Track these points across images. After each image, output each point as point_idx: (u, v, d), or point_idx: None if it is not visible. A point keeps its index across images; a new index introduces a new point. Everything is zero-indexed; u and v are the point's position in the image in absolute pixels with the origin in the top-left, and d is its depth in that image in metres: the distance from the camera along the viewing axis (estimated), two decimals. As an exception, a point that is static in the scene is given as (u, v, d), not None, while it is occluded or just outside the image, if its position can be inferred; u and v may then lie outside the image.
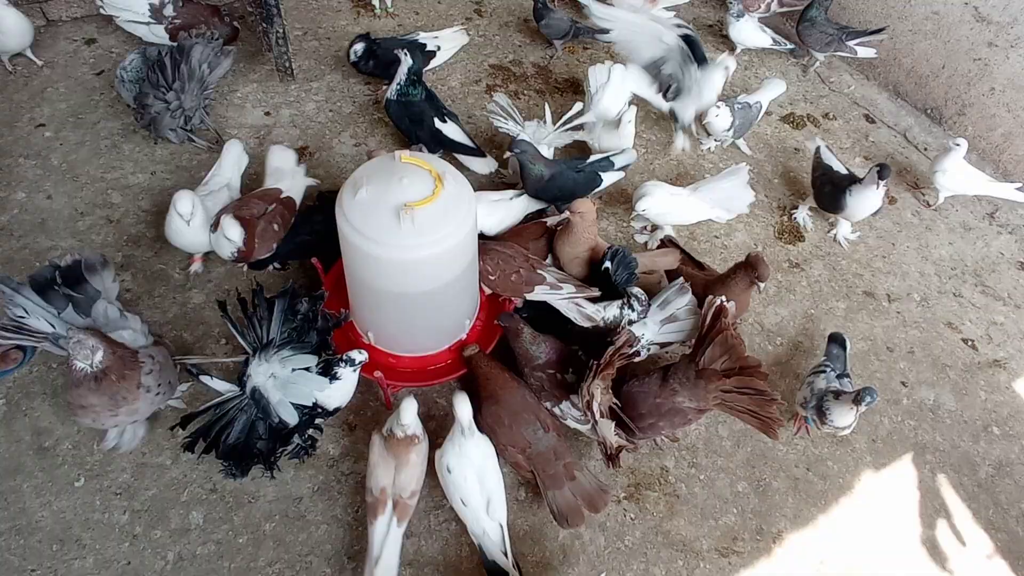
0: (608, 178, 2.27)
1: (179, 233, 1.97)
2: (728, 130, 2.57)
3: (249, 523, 1.73)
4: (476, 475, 1.60)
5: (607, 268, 1.96)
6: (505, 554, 1.62)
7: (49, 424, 1.83)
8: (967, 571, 1.86)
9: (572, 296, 1.94)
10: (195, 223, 1.94)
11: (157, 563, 1.66)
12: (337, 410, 1.70)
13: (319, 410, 1.62)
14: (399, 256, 1.51)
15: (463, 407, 1.60)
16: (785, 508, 1.90)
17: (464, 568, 1.72)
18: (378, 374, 1.74)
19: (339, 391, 1.64)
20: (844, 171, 2.42)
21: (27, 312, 1.69)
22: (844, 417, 1.82)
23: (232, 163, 2.20)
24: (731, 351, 1.79)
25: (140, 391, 1.62)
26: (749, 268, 1.94)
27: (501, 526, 1.63)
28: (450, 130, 2.37)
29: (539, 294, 1.96)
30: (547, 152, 2.37)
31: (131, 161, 2.42)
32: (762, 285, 1.99)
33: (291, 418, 1.58)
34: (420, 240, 1.50)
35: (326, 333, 1.63)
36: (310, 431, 1.67)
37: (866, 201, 2.32)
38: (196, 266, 2.13)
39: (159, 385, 1.67)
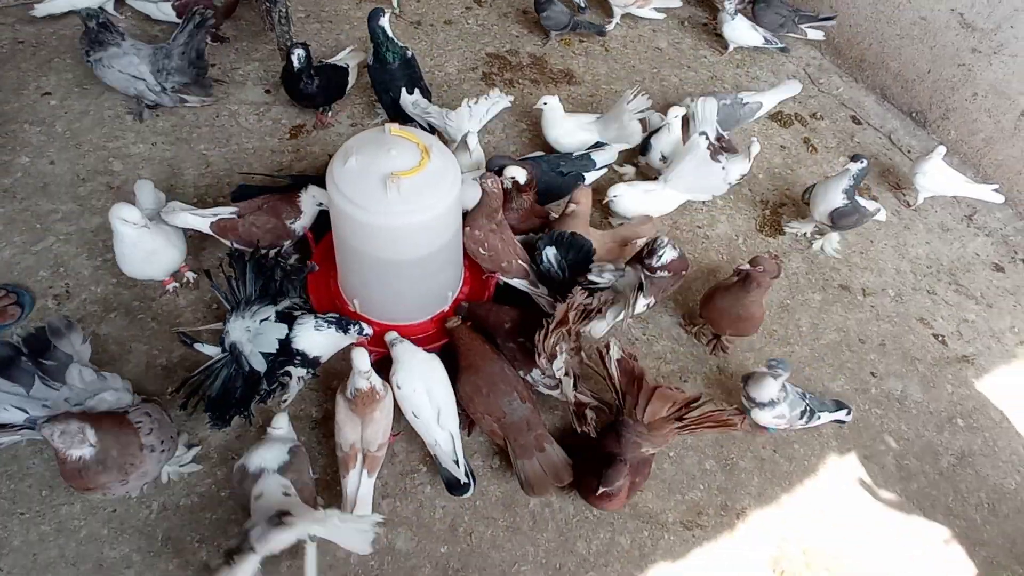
0: (591, 177, 2.35)
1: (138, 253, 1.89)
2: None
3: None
4: (425, 388, 1.72)
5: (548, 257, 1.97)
6: (456, 463, 1.73)
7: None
8: (925, 555, 1.92)
9: (543, 298, 2.02)
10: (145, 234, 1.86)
11: (142, 512, 1.73)
12: (318, 360, 1.78)
13: (298, 358, 1.71)
14: (385, 222, 1.58)
15: (398, 347, 1.76)
16: (750, 486, 1.97)
17: (436, 529, 1.79)
18: (359, 332, 1.81)
19: (320, 343, 1.73)
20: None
21: None
22: (763, 390, 1.89)
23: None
24: (672, 400, 1.81)
25: (145, 453, 1.52)
26: (758, 273, 1.92)
27: (452, 436, 1.74)
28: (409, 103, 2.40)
29: (518, 284, 2.03)
30: (476, 129, 2.35)
31: (133, 132, 2.49)
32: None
33: (260, 366, 1.68)
34: (405, 208, 1.58)
35: (284, 282, 1.76)
36: (281, 375, 1.75)
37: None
38: (172, 285, 2.08)
39: (162, 443, 1.57)
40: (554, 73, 3.01)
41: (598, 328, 2.02)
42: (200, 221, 1.97)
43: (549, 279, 1.96)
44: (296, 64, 2.41)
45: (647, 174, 2.59)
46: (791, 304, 2.39)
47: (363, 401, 1.66)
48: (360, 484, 1.68)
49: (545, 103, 2.43)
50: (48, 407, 1.62)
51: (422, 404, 1.73)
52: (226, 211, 2.00)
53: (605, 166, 2.41)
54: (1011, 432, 2.21)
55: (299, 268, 1.89)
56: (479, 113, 2.32)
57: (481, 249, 1.89)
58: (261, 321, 1.72)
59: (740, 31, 3.12)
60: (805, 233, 2.60)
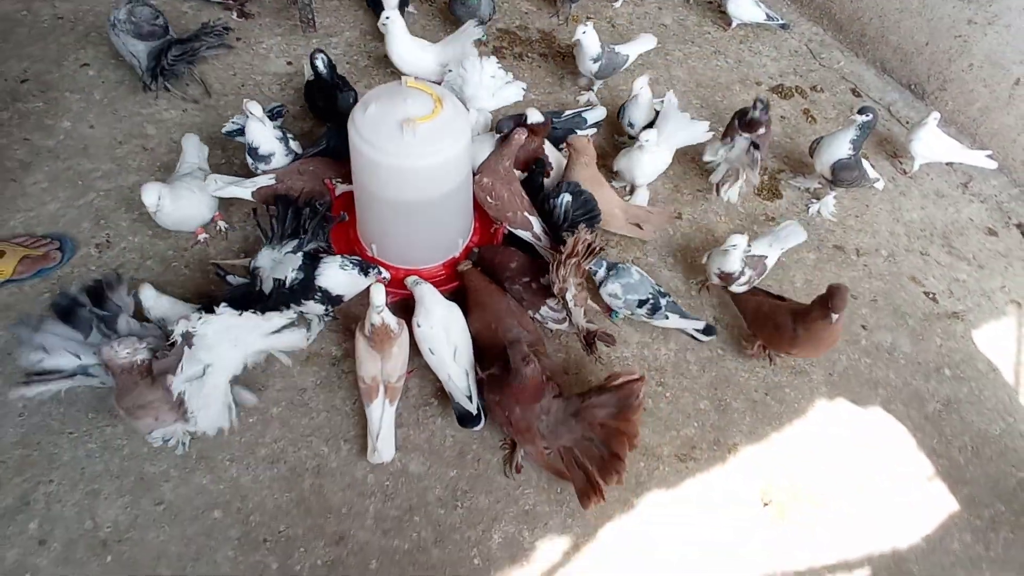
0: (581, 135, 2.48)
1: (166, 217, 2.06)
2: (595, 62, 2.68)
3: (258, 407, 1.95)
4: (442, 327, 1.86)
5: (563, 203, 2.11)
6: (470, 398, 1.87)
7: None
8: (907, 491, 2.03)
9: (546, 251, 2.15)
10: (166, 207, 2.02)
11: (176, 451, 1.88)
12: (340, 299, 1.93)
13: (319, 294, 1.88)
14: (401, 164, 1.74)
15: (420, 288, 1.89)
16: (742, 425, 2.09)
17: (447, 455, 1.93)
18: (381, 276, 1.96)
19: (343, 281, 1.89)
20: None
21: (47, 351, 1.69)
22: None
23: (194, 150, 2.29)
24: (625, 414, 1.79)
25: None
26: (828, 298, 1.89)
27: (466, 372, 1.87)
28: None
29: (522, 235, 2.17)
30: (491, 108, 2.48)
31: (164, 99, 2.65)
32: (834, 316, 1.88)
33: (267, 288, 1.86)
34: (421, 150, 1.74)
35: (315, 227, 1.94)
36: (293, 304, 1.90)
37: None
38: (203, 236, 2.24)
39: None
40: (562, 48, 3.13)
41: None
42: (242, 191, 2.15)
43: (551, 222, 2.10)
44: (322, 68, 2.35)
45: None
46: (786, 262, 2.50)
47: (379, 337, 1.80)
48: (383, 412, 1.83)
49: (387, 18, 2.52)
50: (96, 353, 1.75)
51: (439, 342, 1.87)
52: (264, 179, 2.16)
53: (596, 124, 2.55)
54: (997, 382, 2.30)
55: (330, 216, 2.04)
56: (487, 76, 2.43)
57: (489, 197, 2.03)
58: (285, 253, 1.89)
59: (743, 7, 3.22)
60: (808, 188, 2.70)
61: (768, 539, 1.90)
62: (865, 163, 2.50)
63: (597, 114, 2.59)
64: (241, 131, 2.26)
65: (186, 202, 2.05)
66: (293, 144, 2.25)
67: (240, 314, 1.71)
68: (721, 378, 2.18)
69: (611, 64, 2.74)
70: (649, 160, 2.43)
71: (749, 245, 2.15)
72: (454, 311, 1.92)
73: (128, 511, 1.77)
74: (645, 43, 2.87)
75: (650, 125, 2.51)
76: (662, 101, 2.59)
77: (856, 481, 2.03)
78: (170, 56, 2.55)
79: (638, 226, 2.37)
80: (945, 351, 2.35)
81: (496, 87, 2.50)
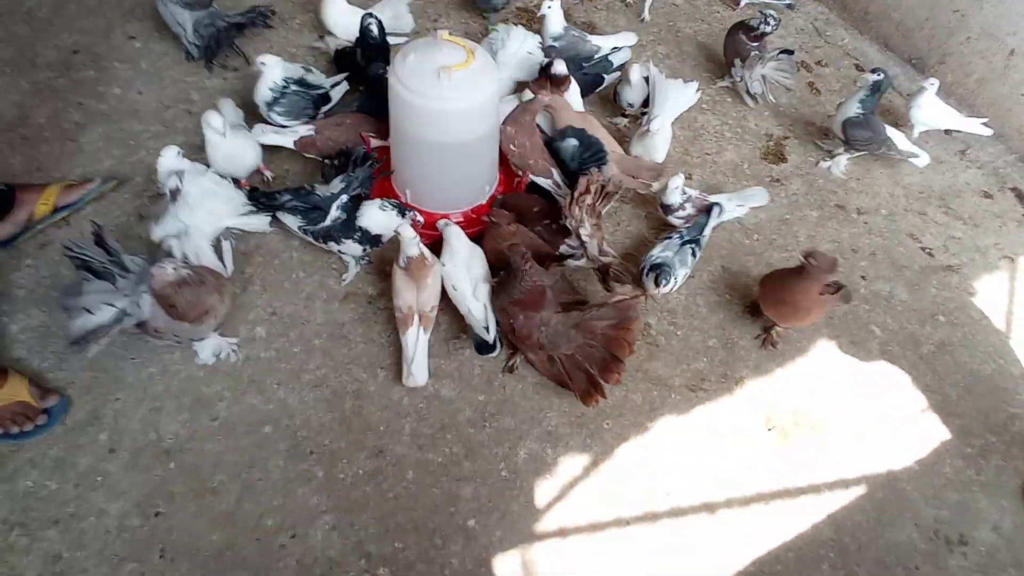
0: (609, 79, 2.70)
1: (222, 150, 2.23)
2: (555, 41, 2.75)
3: (302, 338, 2.13)
4: (465, 265, 2.02)
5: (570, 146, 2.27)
6: (487, 329, 2.03)
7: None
8: (902, 421, 2.18)
9: (565, 200, 2.25)
10: (227, 138, 2.19)
11: (229, 361, 2.06)
12: (379, 238, 2.11)
13: (358, 233, 2.10)
14: (438, 107, 1.93)
15: (450, 229, 2.06)
16: (748, 360, 2.25)
17: (475, 382, 2.10)
18: (413, 217, 2.13)
19: (382, 221, 2.08)
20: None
21: (92, 311, 1.76)
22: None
23: (231, 112, 2.42)
24: (625, 325, 1.94)
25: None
26: (810, 265, 1.93)
27: (485, 306, 2.03)
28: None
29: (541, 182, 2.34)
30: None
31: (206, 69, 2.84)
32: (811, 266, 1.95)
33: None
34: (455, 95, 1.93)
35: (362, 168, 2.14)
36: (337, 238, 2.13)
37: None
38: (246, 187, 2.36)
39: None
40: (578, 25, 3.30)
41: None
42: (284, 139, 2.34)
43: (561, 167, 2.30)
44: (376, 32, 2.43)
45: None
46: (790, 219, 2.66)
47: (416, 266, 1.97)
48: (418, 339, 2.00)
49: None
50: (128, 295, 1.82)
51: (462, 278, 2.03)
52: (304, 129, 2.35)
53: (620, 66, 2.76)
54: (989, 328, 2.45)
55: (380, 169, 2.24)
56: (526, 51, 2.60)
57: (512, 145, 2.21)
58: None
59: (750, -14, 3.38)
60: (829, 150, 2.87)
61: (771, 462, 2.05)
62: (897, 134, 2.64)
63: (624, 55, 2.78)
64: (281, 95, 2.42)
65: (241, 141, 2.26)
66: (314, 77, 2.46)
67: (221, 180, 2.05)
68: (728, 320, 2.34)
69: (572, 48, 2.72)
70: (661, 140, 2.56)
71: (686, 188, 2.37)
72: (476, 251, 2.09)
73: (187, 425, 1.94)
74: (623, 39, 2.89)
75: (645, 102, 2.68)
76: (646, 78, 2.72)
77: (854, 411, 2.18)
78: (217, 26, 2.72)
79: (633, 176, 2.51)
80: (940, 300, 2.50)
81: (528, 63, 2.66)
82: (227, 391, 2.01)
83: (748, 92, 2.95)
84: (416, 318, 2.00)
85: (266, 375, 2.05)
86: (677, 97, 2.64)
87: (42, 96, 2.64)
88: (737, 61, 2.94)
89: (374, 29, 2.49)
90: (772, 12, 2.69)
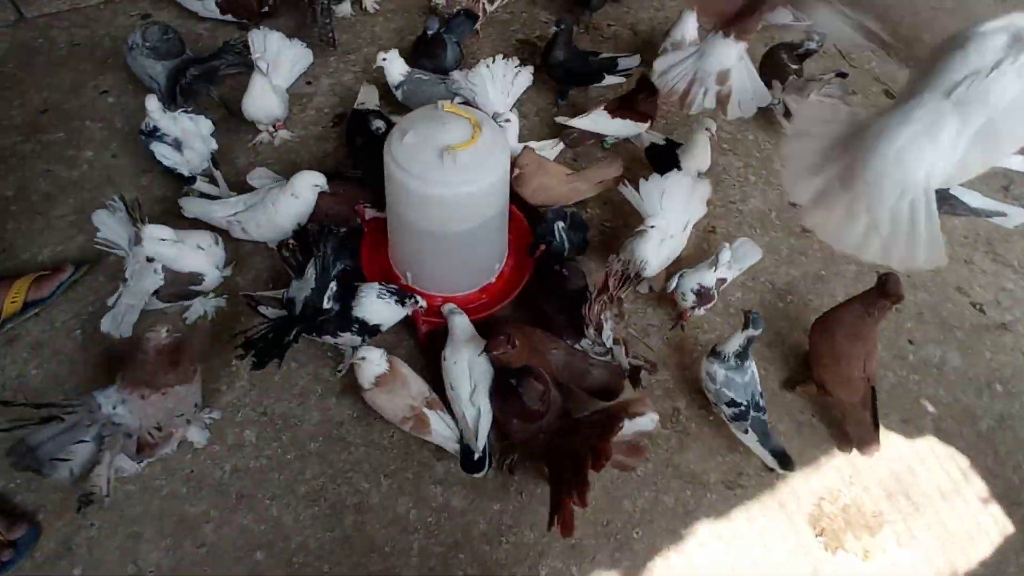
0: (609, 79, 2.67)
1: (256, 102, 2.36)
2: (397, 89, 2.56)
3: (296, 442, 1.92)
4: (467, 363, 1.81)
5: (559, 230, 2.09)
6: (476, 437, 1.80)
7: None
8: (962, 513, 1.97)
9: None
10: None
11: (216, 472, 1.86)
12: (377, 328, 1.90)
13: (356, 325, 1.86)
14: (442, 192, 1.70)
15: (456, 318, 1.85)
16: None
17: (489, 488, 1.89)
18: (416, 305, 1.92)
19: (380, 311, 1.86)
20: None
21: (66, 457, 1.64)
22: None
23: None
24: (604, 434, 1.64)
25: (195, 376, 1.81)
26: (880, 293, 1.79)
27: (480, 410, 1.80)
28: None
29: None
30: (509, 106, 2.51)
31: (187, 124, 2.62)
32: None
33: (297, 311, 1.85)
34: (461, 178, 1.70)
35: (326, 242, 1.91)
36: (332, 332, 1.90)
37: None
38: (283, 132, 2.55)
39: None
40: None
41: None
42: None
43: (559, 255, 2.11)
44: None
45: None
46: (825, 275, 2.43)
47: (386, 379, 1.79)
48: (447, 422, 1.84)
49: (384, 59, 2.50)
50: (89, 424, 1.67)
51: (462, 377, 1.81)
52: None
53: (626, 70, 2.69)
54: (1050, 396, 2.23)
55: (349, 233, 2.02)
56: (499, 76, 2.42)
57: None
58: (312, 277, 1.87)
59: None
60: None
61: (823, 571, 1.84)
62: (969, 192, 2.33)
63: (631, 61, 2.69)
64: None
65: (187, 252, 1.98)
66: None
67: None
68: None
69: (419, 94, 2.49)
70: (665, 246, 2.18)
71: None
72: (482, 346, 1.84)
73: (170, 554, 1.74)
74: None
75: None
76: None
77: (909, 504, 1.97)
78: (189, 75, 2.50)
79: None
80: (996, 365, 2.28)
81: (508, 84, 2.49)
82: (214, 510, 1.80)
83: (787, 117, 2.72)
84: (427, 411, 1.80)
85: (257, 488, 1.84)
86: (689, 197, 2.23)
87: (8, 165, 2.42)
88: (776, 83, 2.71)
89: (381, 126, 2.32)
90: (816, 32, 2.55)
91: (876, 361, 1.99)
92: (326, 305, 1.84)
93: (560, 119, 2.58)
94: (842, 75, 2.63)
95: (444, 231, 1.79)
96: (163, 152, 2.20)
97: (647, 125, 2.54)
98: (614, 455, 1.61)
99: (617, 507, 1.89)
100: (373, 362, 1.77)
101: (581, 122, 2.53)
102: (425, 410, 1.82)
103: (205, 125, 2.27)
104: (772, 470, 1.96)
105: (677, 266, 2.18)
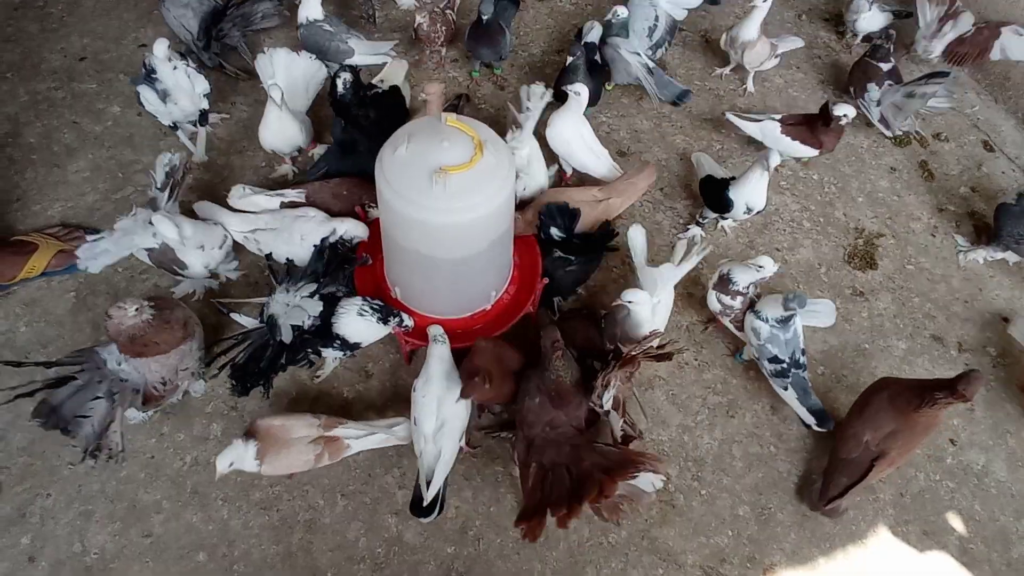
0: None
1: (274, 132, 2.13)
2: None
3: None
4: (436, 398, 1.66)
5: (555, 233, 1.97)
6: (429, 481, 1.65)
7: (107, 321, 2.02)
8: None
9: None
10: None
11: (176, 462, 1.82)
12: (357, 345, 1.79)
13: (338, 341, 1.75)
14: (427, 218, 1.54)
15: (436, 348, 1.69)
16: (785, 542, 1.83)
17: (447, 528, 1.78)
18: (397, 327, 1.80)
19: (361, 329, 1.74)
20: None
21: (87, 414, 1.65)
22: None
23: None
24: (614, 476, 1.56)
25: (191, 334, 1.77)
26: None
27: (440, 452, 1.66)
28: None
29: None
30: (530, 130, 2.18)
31: (215, 92, 2.54)
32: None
33: (287, 337, 1.72)
34: (451, 205, 1.52)
35: (332, 261, 1.80)
36: (308, 352, 1.77)
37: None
38: (287, 166, 2.31)
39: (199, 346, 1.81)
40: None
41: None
42: (270, 202, 2.03)
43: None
44: (341, 90, 2.08)
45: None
46: (869, 349, 2.16)
47: (267, 449, 1.65)
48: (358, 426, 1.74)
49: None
50: (100, 380, 1.69)
51: (428, 414, 1.67)
52: (293, 193, 2.04)
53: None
54: (1109, 532, 1.92)
55: (352, 259, 1.88)
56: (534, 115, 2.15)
57: None
58: (301, 297, 1.75)
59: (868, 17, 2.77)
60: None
61: None
62: None
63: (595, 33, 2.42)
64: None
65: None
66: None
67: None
68: (768, 481, 1.91)
69: (314, 43, 2.37)
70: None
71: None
72: (454, 386, 1.70)
73: (116, 539, 1.72)
74: (383, 49, 2.45)
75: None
76: None
77: (912, 632, 1.74)
78: (223, 26, 2.43)
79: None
80: (1048, 485, 1.98)
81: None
82: (166, 501, 1.77)
83: (883, 122, 2.56)
84: (331, 433, 1.71)
85: (212, 486, 1.79)
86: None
87: (38, 110, 2.42)
88: (871, 85, 2.53)
89: (340, 87, 2.09)
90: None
91: (904, 450, 1.74)
92: (307, 321, 1.74)
93: (730, 116, 2.40)
94: (942, 75, 2.31)
95: (431, 255, 1.64)
96: (147, 96, 2.12)
97: (815, 152, 2.33)
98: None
99: (578, 573, 1.75)
100: (242, 460, 1.61)
101: (748, 126, 2.37)
102: (327, 433, 1.69)
103: (201, 85, 2.18)
104: (759, 562, 1.77)
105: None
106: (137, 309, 1.60)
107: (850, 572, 1.80)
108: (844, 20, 2.88)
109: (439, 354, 1.71)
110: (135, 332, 1.61)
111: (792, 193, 2.50)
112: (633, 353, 1.69)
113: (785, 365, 1.86)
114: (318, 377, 1.95)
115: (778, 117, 2.36)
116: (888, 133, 2.61)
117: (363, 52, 2.43)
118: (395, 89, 2.33)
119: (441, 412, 1.66)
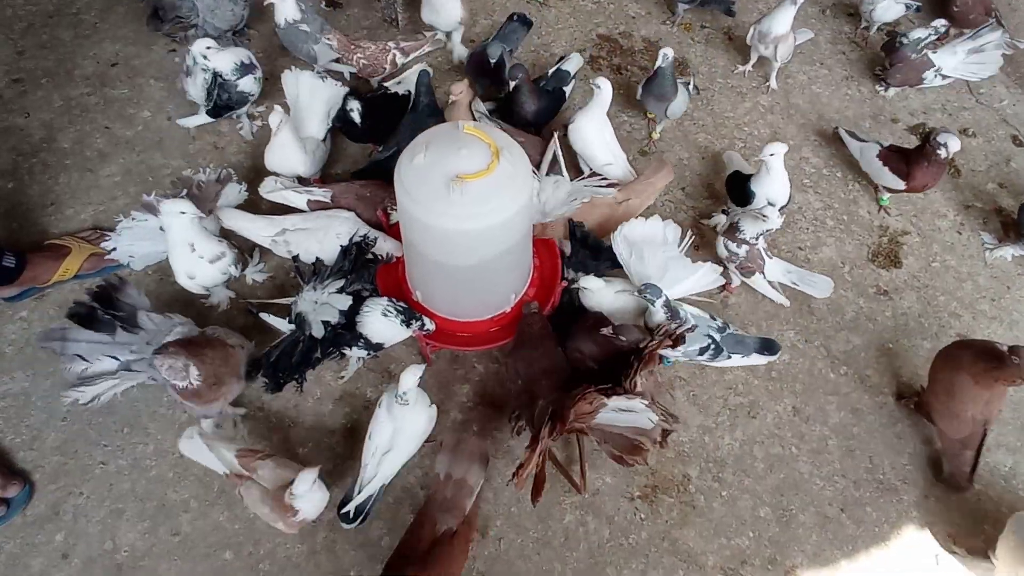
0: (569, 89, 2.46)
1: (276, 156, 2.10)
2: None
3: (286, 444, 1.90)
4: (393, 427, 1.66)
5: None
6: (359, 491, 1.68)
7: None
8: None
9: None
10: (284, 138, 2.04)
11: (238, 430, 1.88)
12: (380, 347, 1.82)
13: (362, 340, 1.78)
14: (443, 225, 1.55)
15: (407, 376, 1.63)
16: (806, 544, 1.82)
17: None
18: (418, 330, 1.82)
19: (382, 330, 1.77)
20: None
21: (87, 359, 1.75)
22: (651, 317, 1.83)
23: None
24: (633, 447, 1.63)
25: (237, 358, 1.78)
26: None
27: (379, 474, 1.67)
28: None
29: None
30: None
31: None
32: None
33: (318, 332, 1.76)
34: (468, 212, 1.53)
35: (358, 260, 1.84)
36: (337, 347, 1.80)
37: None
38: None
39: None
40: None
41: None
42: (298, 199, 2.07)
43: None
44: (357, 119, 2.16)
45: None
46: (893, 349, 2.14)
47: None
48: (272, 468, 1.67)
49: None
50: (135, 351, 1.79)
51: (382, 434, 1.68)
52: (320, 191, 2.07)
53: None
54: None
55: (376, 256, 1.91)
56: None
57: None
58: (329, 294, 1.79)
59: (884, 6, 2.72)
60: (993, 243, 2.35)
61: None
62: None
63: (575, 63, 2.47)
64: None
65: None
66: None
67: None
68: (790, 483, 1.90)
69: (291, 43, 2.35)
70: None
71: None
72: (419, 415, 1.69)
73: (146, 537, 1.77)
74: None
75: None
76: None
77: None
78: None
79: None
80: (1079, 489, 1.94)
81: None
82: (194, 500, 1.81)
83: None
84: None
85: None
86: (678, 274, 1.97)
87: (72, 116, 2.48)
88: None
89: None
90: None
91: (998, 408, 1.79)
92: (335, 320, 1.78)
93: (842, 132, 2.41)
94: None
95: (449, 262, 1.66)
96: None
97: (901, 185, 2.24)
98: (613, 450, 1.64)
99: (599, 573, 1.76)
100: (401, 385, 1.61)
101: (851, 143, 2.37)
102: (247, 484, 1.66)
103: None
104: (780, 563, 1.76)
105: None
106: (176, 374, 1.60)
107: (873, 574, 1.78)
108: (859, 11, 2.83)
109: (405, 383, 1.63)
110: (187, 392, 1.64)
111: (815, 191, 2.47)
112: (650, 349, 1.69)
113: (712, 344, 1.85)
114: (342, 378, 1.98)
115: (886, 143, 2.30)
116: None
117: (327, 59, 2.40)
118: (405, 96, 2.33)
119: (397, 440, 1.67)
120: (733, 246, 2.01)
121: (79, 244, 2.11)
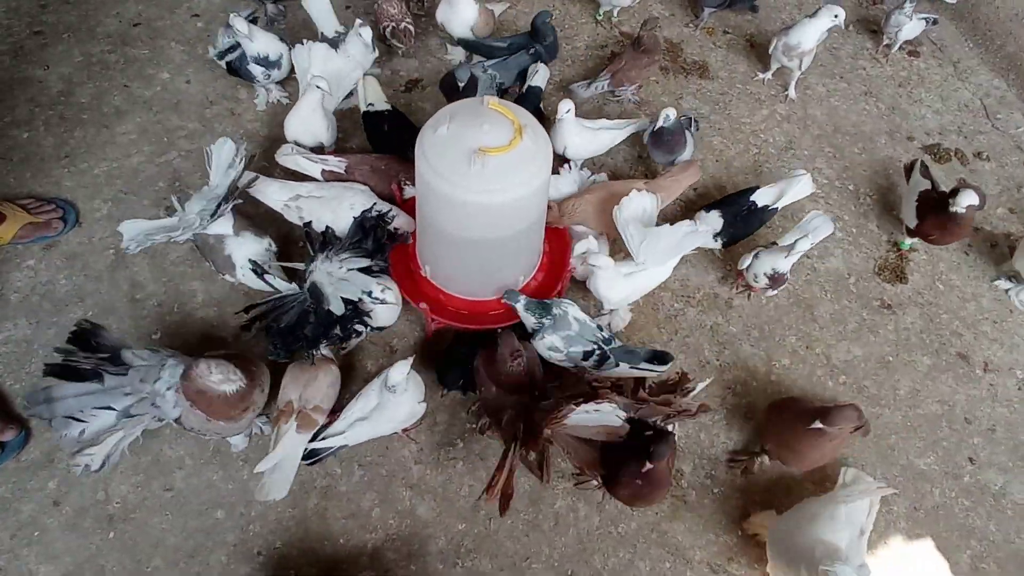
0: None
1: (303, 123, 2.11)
2: None
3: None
4: (379, 400, 1.66)
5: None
6: (323, 438, 1.69)
7: (143, 280, 2.08)
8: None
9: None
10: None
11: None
12: (380, 329, 1.82)
13: (366, 317, 1.77)
14: (463, 198, 1.56)
15: (395, 370, 1.62)
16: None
17: (459, 505, 1.81)
18: (424, 306, 1.83)
19: (381, 314, 1.77)
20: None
21: (80, 418, 1.54)
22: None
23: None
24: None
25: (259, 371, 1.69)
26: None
27: (345, 433, 1.68)
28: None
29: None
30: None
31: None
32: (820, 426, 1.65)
33: (338, 309, 1.74)
34: (488, 186, 1.54)
35: (380, 240, 1.81)
36: (354, 325, 1.79)
37: None
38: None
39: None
40: (687, 64, 2.81)
41: None
42: (313, 167, 2.07)
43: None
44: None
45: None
46: (893, 362, 2.15)
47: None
48: (289, 441, 1.66)
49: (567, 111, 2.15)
50: (129, 392, 1.59)
51: (366, 402, 1.69)
52: (335, 160, 2.07)
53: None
54: None
55: (393, 235, 1.91)
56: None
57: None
58: (349, 270, 1.78)
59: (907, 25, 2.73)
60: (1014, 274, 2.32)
61: None
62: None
63: (541, 76, 2.35)
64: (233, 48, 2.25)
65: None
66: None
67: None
68: (782, 486, 1.91)
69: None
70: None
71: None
72: (403, 405, 1.67)
73: (139, 490, 1.77)
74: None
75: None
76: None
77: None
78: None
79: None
80: (1068, 512, 1.95)
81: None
82: (189, 458, 1.82)
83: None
84: (294, 415, 1.66)
85: (234, 447, 1.84)
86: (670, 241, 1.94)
87: (91, 72, 2.49)
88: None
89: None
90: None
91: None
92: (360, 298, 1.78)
93: (920, 165, 2.28)
94: None
95: (463, 236, 1.67)
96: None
97: (910, 239, 2.28)
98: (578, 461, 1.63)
99: (586, 560, 1.77)
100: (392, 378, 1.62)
101: (915, 177, 2.26)
102: (292, 416, 1.67)
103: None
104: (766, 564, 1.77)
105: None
106: (226, 377, 1.52)
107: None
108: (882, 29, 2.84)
109: (393, 377, 1.63)
110: (212, 396, 1.53)
111: (827, 202, 2.48)
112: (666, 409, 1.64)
113: (596, 349, 1.77)
114: (344, 348, 1.98)
115: (925, 187, 2.21)
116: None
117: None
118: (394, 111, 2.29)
119: (375, 412, 1.67)
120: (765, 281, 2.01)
121: (14, 212, 2.03)
